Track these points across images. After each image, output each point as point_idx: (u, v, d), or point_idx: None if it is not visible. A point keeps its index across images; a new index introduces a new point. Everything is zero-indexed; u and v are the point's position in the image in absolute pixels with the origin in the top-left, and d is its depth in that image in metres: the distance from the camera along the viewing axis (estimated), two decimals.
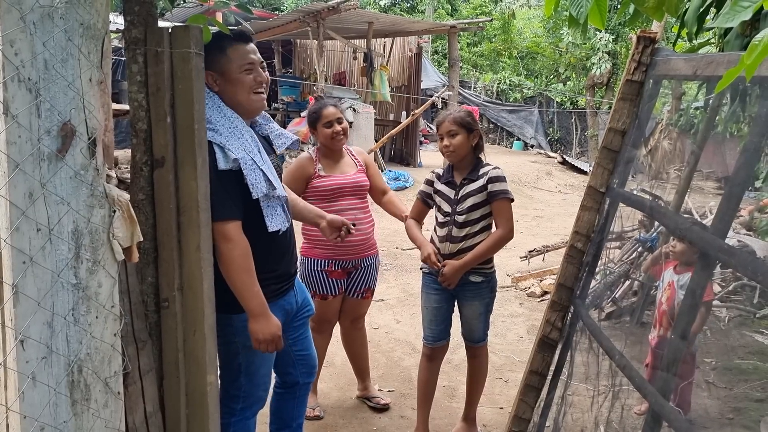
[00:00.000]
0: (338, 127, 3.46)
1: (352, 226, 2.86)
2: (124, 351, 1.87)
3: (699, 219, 6.48)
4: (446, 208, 3.15)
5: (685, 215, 6.04)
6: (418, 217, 3.34)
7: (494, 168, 3.15)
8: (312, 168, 3.49)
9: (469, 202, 3.10)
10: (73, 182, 1.61)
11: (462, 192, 3.12)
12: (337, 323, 3.78)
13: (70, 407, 1.66)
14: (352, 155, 3.64)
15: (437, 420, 3.65)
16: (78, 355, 1.67)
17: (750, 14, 1.30)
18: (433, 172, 3.31)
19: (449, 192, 3.16)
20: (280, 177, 2.42)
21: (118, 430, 1.80)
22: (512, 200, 3.14)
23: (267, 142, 2.42)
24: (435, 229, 3.24)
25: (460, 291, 3.18)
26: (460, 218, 3.10)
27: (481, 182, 3.10)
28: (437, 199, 3.21)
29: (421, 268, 3.31)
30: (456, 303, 3.30)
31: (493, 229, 3.20)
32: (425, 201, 3.28)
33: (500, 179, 3.11)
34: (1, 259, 1.55)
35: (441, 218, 3.18)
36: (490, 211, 3.13)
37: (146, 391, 2.00)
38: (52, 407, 1.61)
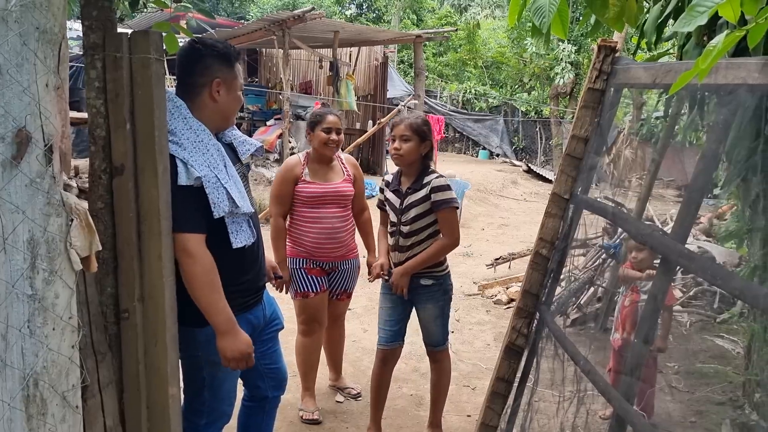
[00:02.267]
0: (335, 136, 3.51)
1: (275, 278, 2.86)
2: (83, 364, 1.82)
3: (660, 226, 6.60)
4: (393, 217, 3.21)
5: (647, 222, 6.15)
6: (386, 224, 3.37)
7: (437, 177, 3.17)
8: (299, 171, 3.54)
9: (413, 212, 3.13)
10: (28, 190, 1.57)
11: (407, 201, 3.14)
12: None
13: (25, 422, 1.61)
14: (342, 163, 3.68)
15: (405, 429, 3.64)
16: (34, 368, 1.62)
17: (706, 19, 1.33)
18: (383, 179, 3.34)
19: (395, 201, 3.19)
20: (247, 185, 2.39)
21: None
22: (457, 207, 3.19)
23: (231, 149, 2.38)
24: (388, 238, 3.27)
25: (414, 295, 3.22)
26: (405, 228, 3.14)
27: (423, 192, 3.12)
28: (387, 207, 3.24)
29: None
30: (414, 308, 3.34)
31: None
32: (382, 208, 3.34)
33: (443, 188, 3.12)
34: None
35: (390, 227, 3.23)
36: (431, 220, 3.16)
37: (106, 405, 1.95)
38: (6, 422, 1.56)
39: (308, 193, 3.49)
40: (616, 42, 2.48)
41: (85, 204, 1.78)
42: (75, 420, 1.75)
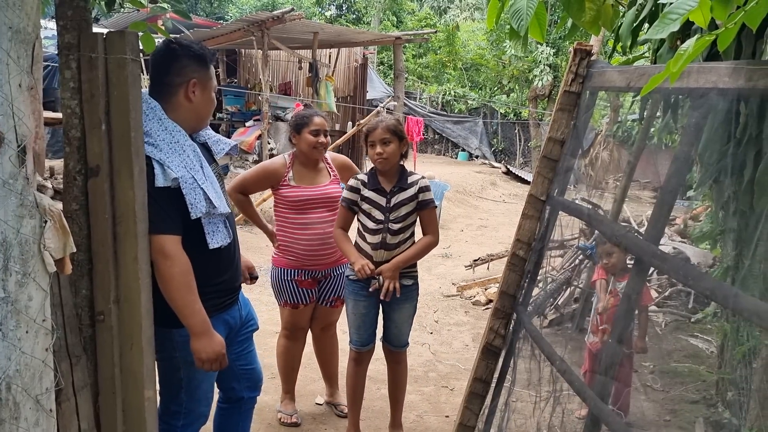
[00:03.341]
0: (323, 139, 3.45)
1: (250, 278, 2.83)
2: (57, 367, 1.80)
3: (636, 227, 6.68)
4: (378, 215, 3.16)
5: (623, 223, 6.22)
6: (345, 225, 3.29)
7: (422, 178, 3.24)
8: (282, 173, 3.47)
9: (404, 210, 3.15)
10: (1, 191, 1.55)
11: (395, 200, 3.15)
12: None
13: None
14: (328, 164, 3.60)
15: (383, 430, 3.65)
16: (6, 372, 1.60)
17: (678, 26, 1.35)
18: (356, 178, 3.28)
19: (379, 199, 3.17)
20: (222, 185, 2.38)
21: None
22: (436, 207, 3.26)
23: (205, 149, 2.38)
24: (363, 236, 3.23)
25: (391, 296, 3.18)
26: (395, 226, 3.14)
27: (412, 191, 3.17)
28: (365, 206, 3.20)
29: (347, 276, 3.30)
30: (381, 309, 3.33)
31: (418, 235, 3.26)
32: (351, 208, 3.25)
33: (429, 188, 3.22)
34: None
35: (372, 225, 3.18)
36: (416, 218, 3.22)
37: (81, 408, 1.93)
38: None
39: (294, 197, 3.42)
40: (592, 45, 2.51)
41: (59, 205, 1.76)
42: (49, 424, 1.73)
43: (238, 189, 3.54)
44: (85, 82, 1.90)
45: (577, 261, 5.59)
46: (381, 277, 3.11)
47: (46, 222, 1.66)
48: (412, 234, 3.24)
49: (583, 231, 5.16)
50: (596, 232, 3.82)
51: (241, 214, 4.23)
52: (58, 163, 7.47)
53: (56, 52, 1.92)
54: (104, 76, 1.90)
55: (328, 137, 3.53)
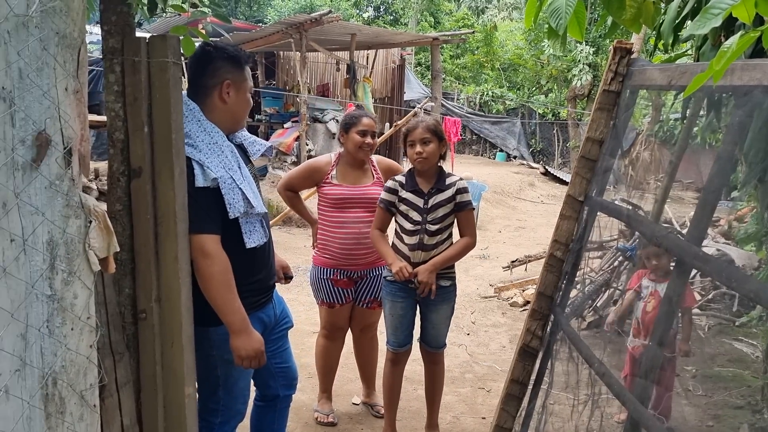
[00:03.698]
0: (369, 140, 3.48)
1: (285, 278, 2.85)
2: (101, 363, 1.85)
3: (679, 228, 6.54)
4: (416, 216, 3.16)
5: (665, 224, 6.10)
6: (382, 227, 3.30)
7: (460, 179, 3.24)
8: (326, 171, 3.52)
9: (441, 211, 3.15)
10: (48, 192, 1.60)
11: (432, 201, 3.15)
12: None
13: (44, 421, 1.63)
14: (374, 166, 3.62)
15: (420, 431, 3.64)
16: (53, 368, 1.64)
17: (720, 21, 1.32)
18: (393, 179, 3.28)
19: (417, 200, 3.17)
20: (258, 186, 2.41)
21: None
22: (473, 208, 3.27)
23: (242, 150, 2.42)
24: (400, 237, 3.23)
25: (428, 297, 3.18)
26: (433, 227, 3.14)
27: (450, 192, 3.16)
28: (402, 207, 3.20)
29: (385, 276, 3.30)
30: (419, 310, 3.33)
31: (455, 236, 3.24)
32: (389, 209, 3.26)
33: (467, 190, 3.21)
34: None
35: (410, 226, 3.18)
36: (453, 219, 3.21)
37: (123, 404, 1.97)
38: (26, 421, 1.58)
39: (333, 195, 3.46)
40: (632, 44, 2.47)
41: (103, 206, 1.80)
42: (93, 419, 1.78)
43: (286, 186, 3.62)
44: (129, 85, 1.95)
45: (616, 263, 5.50)
46: (417, 279, 3.11)
47: (90, 222, 1.70)
48: (450, 235, 3.24)
49: (623, 232, 5.08)
50: (636, 233, 3.76)
51: (281, 214, 4.28)
52: (102, 165, 7.66)
53: (100, 57, 1.97)
54: (147, 79, 1.94)
55: (376, 139, 3.55)
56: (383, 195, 3.26)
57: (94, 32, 9.99)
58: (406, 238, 3.18)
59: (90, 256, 1.71)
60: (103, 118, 2.03)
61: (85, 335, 1.73)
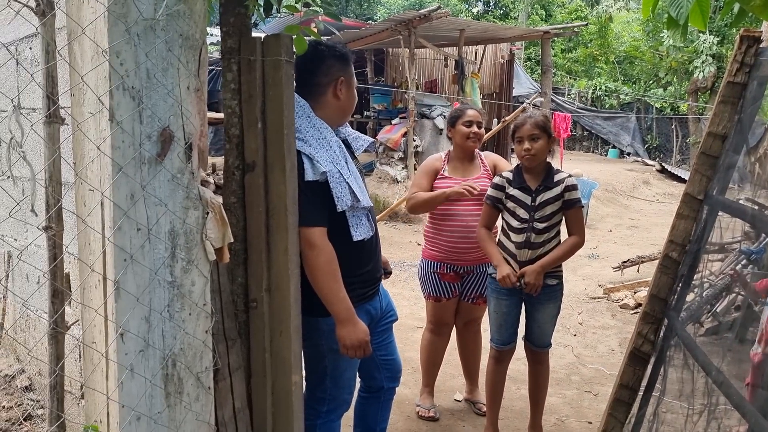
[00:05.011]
0: (476, 129, 3.52)
1: (385, 274, 2.83)
2: (215, 348, 1.95)
3: None
4: (523, 214, 3.10)
5: None
6: (489, 224, 3.26)
7: (569, 176, 3.15)
8: (439, 167, 3.58)
9: (549, 209, 3.07)
10: (170, 185, 1.70)
11: (540, 199, 3.08)
12: None
13: (164, 399, 1.74)
14: (482, 159, 3.65)
15: (521, 431, 3.58)
16: (172, 350, 1.75)
17: None
18: (501, 176, 3.23)
19: (524, 198, 3.11)
20: (363, 180, 2.47)
21: (208, 423, 1.88)
22: (583, 206, 3.16)
23: (346, 146, 2.47)
24: (507, 235, 3.18)
25: (533, 295, 3.13)
26: (540, 225, 3.07)
27: (558, 190, 3.08)
28: (510, 204, 3.15)
29: (490, 274, 3.27)
30: (524, 308, 3.27)
31: (563, 234, 3.16)
32: (496, 206, 3.22)
33: (576, 187, 3.12)
34: (104, 256, 1.66)
35: (517, 224, 3.12)
36: (561, 217, 3.13)
37: (235, 388, 2.07)
38: (148, 398, 1.70)
39: (444, 187, 3.48)
40: (761, 32, 2.31)
41: (219, 198, 1.90)
42: (207, 400, 1.88)
43: (416, 190, 3.61)
44: (244, 83, 2.04)
45: (740, 266, 5.17)
46: (524, 281, 3.07)
47: (207, 213, 1.80)
48: (558, 233, 3.16)
49: (748, 234, 4.76)
50: (763, 234, 3.52)
51: (387, 209, 4.32)
52: (219, 160, 8.04)
53: (220, 57, 2.07)
54: (261, 77, 2.03)
55: (482, 129, 3.56)
56: (490, 191, 3.23)
57: (214, 33, 10.48)
58: (513, 236, 3.13)
59: (207, 246, 1.80)
60: (221, 115, 2.13)
61: (201, 321, 1.83)
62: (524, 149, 3.06)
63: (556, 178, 3.10)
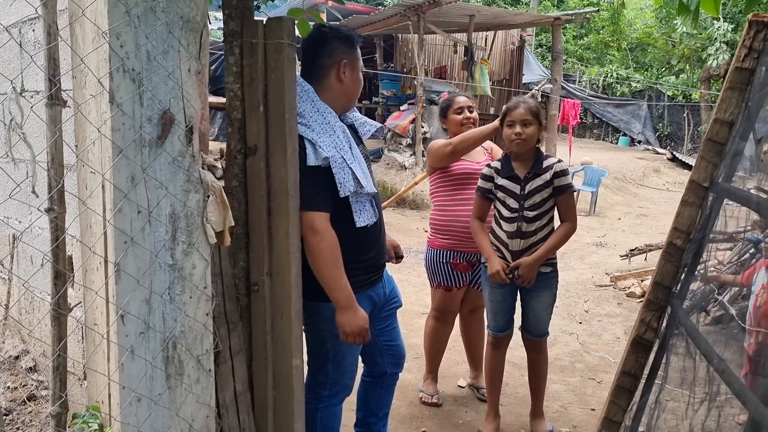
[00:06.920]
0: (468, 114, 3.50)
1: (396, 258, 2.86)
2: (216, 331, 1.96)
3: None
4: (512, 204, 3.07)
5: None
6: (482, 215, 3.24)
7: (558, 161, 3.10)
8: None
9: (538, 197, 3.03)
10: (171, 168, 1.70)
11: (529, 187, 3.04)
12: None
13: (164, 381, 1.75)
14: (483, 146, 3.62)
15: (525, 417, 3.59)
16: (173, 332, 1.76)
17: None
18: (489, 166, 3.19)
19: (513, 187, 3.07)
20: (369, 166, 2.45)
21: (208, 405, 1.89)
22: (575, 191, 3.10)
23: (353, 131, 2.45)
24: (498, 224, 3.16)
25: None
26: (531, 213, 3.04)
27: (546, 176, 3.03)
28: (499, 194, 3.12)
29: (483, 262, 3.25)
30: (519, 296, 3.25)
31: (556, 220, 3.13)
32: (486, 197, 3.18)
33: (566, 173, 3.06)
34: (105, 238, 1.67)
35: (507, 214, 3.09)
36: (553, 203, 3.09)
37: (236, 371, 2.08)
38: (149, 380, 1.71)
39: (458, 169, 3.46)
40: None
41: (221, 182, 1.90)
42: (208, 382, 1.89)
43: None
44: (246, 66, 2.03)
45: (747, 255, 5.14)
46: (518, 273, 3.05)
47: (208, 197, 1.80)
48: (551, 220, 3.11)
49: (756, 222, 4.73)
50: None
51: (394, 195, 4.32)
52: (216, 145, 8.04)
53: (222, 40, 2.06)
54: (263, 60, 2.02)
55: (475, 113, 3.54)
56: (480, 183, 3.21)
57: (218, 17, 10.44)
58: (505, 225, 3.11)
59: (207, 229, 1.80)
60: (223, 99, 2.13)
61: (202, 304, 1.84)
62: (515, 133, 3.00)
63: (545, 163, 3.06)
